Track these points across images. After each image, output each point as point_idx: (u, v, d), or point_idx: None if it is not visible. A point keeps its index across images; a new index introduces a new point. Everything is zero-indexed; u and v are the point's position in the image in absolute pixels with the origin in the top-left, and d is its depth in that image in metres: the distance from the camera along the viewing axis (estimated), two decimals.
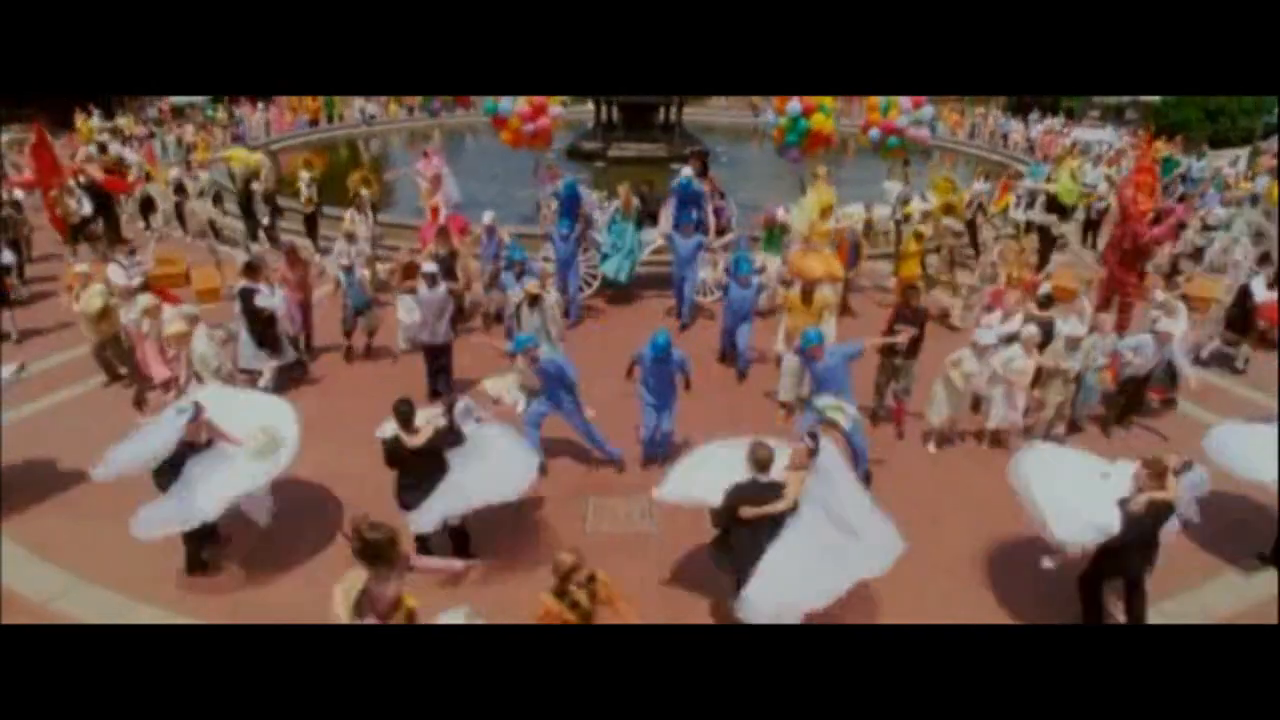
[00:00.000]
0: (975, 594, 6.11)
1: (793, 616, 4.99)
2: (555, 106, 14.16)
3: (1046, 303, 8.54)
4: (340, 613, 4.13)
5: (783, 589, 5.01)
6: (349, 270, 9.63)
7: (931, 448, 8.11)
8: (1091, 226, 15.55)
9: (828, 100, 13.32)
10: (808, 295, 8.70)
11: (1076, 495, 5.44)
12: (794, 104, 12.99)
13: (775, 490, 5.26)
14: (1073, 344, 7.80)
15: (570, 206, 11.25)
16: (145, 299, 8.34)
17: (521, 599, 5.78)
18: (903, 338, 7.63)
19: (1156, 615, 5.80)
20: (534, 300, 8.37)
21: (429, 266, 8.84)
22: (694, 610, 5.83)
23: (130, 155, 17.51)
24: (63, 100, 23.49)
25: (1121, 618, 5.70)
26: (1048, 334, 8.07)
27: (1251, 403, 9.17)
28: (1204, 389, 9.12)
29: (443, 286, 8.71)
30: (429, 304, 8.59)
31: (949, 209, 12.04)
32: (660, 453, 7.56)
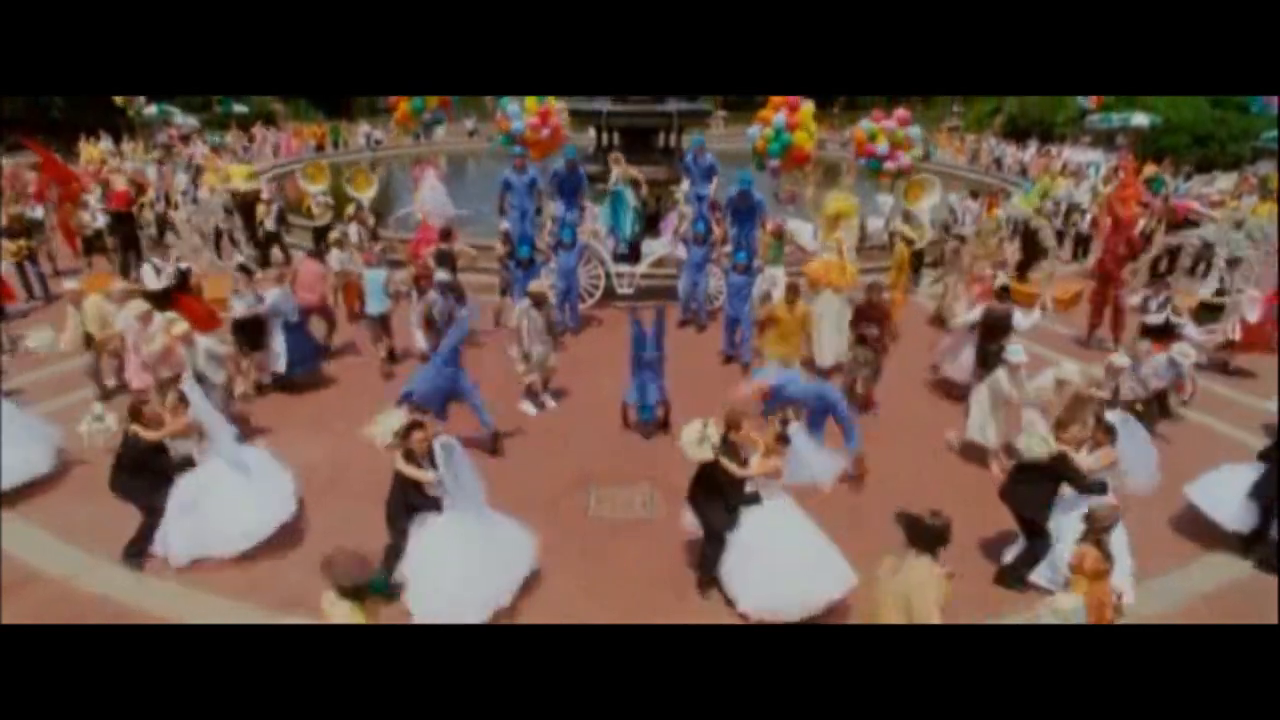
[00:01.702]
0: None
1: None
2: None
3: (1003, 294, 8.75)
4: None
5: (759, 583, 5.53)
6: (370, 267, 9.82)
7: (995, 469, 7.73)
8: (1081, 242, 15.90)
9: (810, 122, 13.80)
10: (793, 301, 8.78)
11: None
12: (779, 116, 13.41)
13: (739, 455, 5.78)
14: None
15: (571, 189, 11.35)
16: (137, 304, 8.39)
17: (530, 585, 6.01)
18: (886, 342, 8.42)
19: (1147, 593, 6.03)
20: (539, 302, 8.61)
21: (441, 276, 9.13)
22: (689, 590, 6.01)
23: (152, 173, 17.96)
24: (68, 129, 23.98)
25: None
26: (1006, 325, 8.30)
27: (1262, 410, 9.27)
28: (1210, 398, 9.44)
29: (451, 297, 8.98)
30: (441, 311, 8.89)
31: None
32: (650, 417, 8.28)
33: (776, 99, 14.49)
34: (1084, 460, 5.84)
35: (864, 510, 7.08)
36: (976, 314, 8.70)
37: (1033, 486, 5.95)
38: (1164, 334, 9.15)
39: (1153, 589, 6.09)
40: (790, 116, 13.52)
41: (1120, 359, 7.72)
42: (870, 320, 8.53)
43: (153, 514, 6.08)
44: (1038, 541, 5.99)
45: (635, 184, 12.50)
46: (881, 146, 13.81)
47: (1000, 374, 7.66)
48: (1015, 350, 7.68)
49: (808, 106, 13.86)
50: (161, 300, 9.20)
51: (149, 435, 5.98)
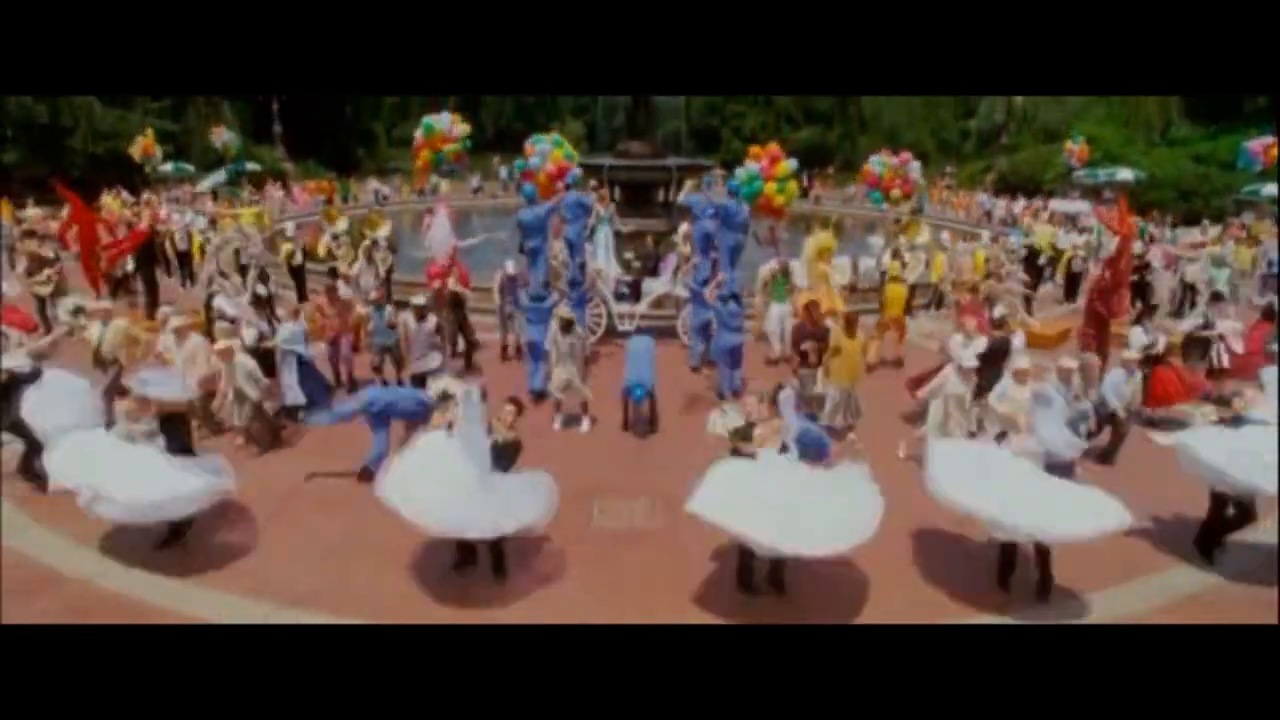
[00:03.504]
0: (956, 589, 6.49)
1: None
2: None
3: (999, 324, 9.05)
4: None
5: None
6: (379, 306, 10.22)
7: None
8: (1072, 284, 16.38)
9: (790, 181, 14.59)
10: (850, 327, 8.93)
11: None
12: (757, 165, 14.19)
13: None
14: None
15: (578, 216, 11.88)
16: (177, 320, 8.74)
17: (533, 587, 6.24)
18: (813, 358, 8.83)
19: (1129, 595, 6.28)
20: (567, 326, 9.07)
21: (418, 299, 9.58)
22: (687, 592, 6.22)
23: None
24: (88, 186, 24.74)
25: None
26: (1004, 352, 8.48)
27: None
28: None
29: (431, 320, 9.42)
30: (417, 336, 9.31)
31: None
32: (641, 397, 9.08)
33: (756, 149, 15.32)
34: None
35: None
36: (980, 346, 8.79)
37: None
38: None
39: (1135, 589, 6.36)
40: (769, 167, 14.32)
41: (1068, 360, 7.98)
42: (808, 337, 8.95)
43: None
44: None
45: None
46: (878, 167, 14.72)
47: (950, 372, 7.97)
48: (968, 355, 8.07)
49: (786, 164, 14.65)
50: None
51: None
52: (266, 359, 8.90)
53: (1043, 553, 6.10)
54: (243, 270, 13.95)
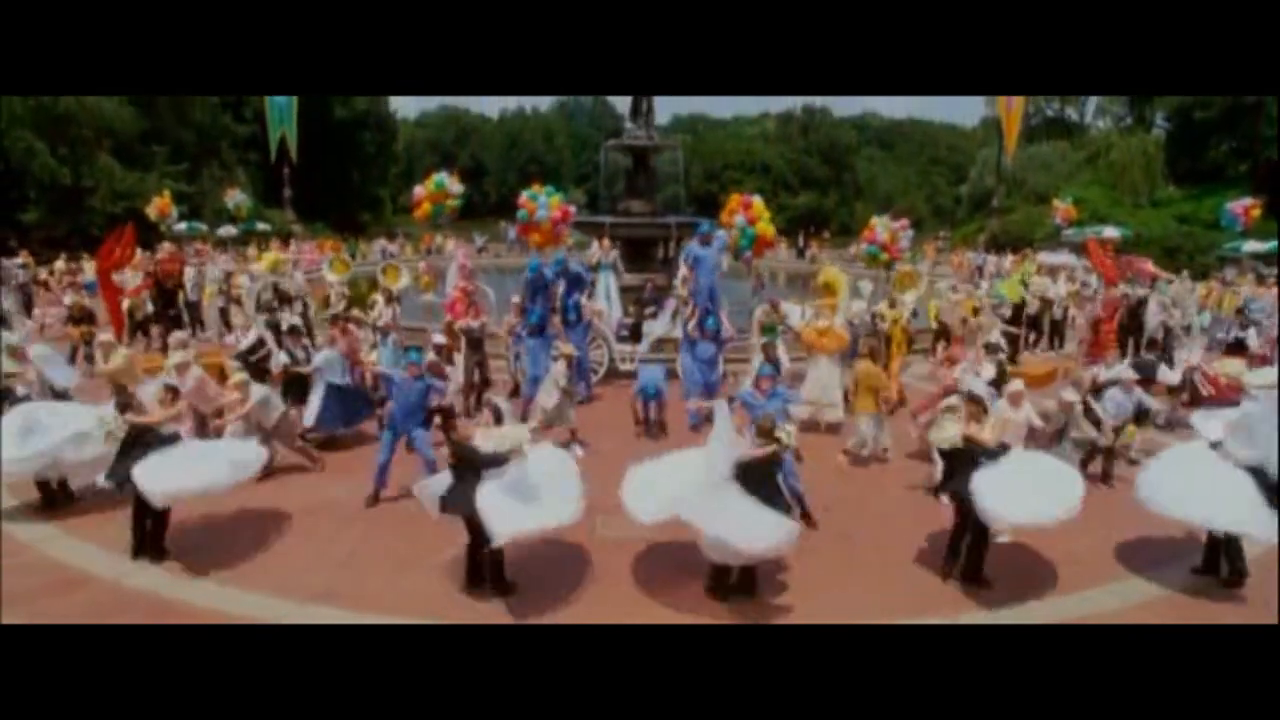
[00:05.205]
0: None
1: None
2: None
3: (992, 349, 9.49)
4: None
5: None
6: (385, 334, 10.74)
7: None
8: (1056, 330, 16.89)
9: (764, 211, 15.57)
10: (874, 356, 9.81)
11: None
12: (739, 217, 15.05)
13: None
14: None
15: (575, 284, 12.46)
16: (178, 355, 9.04)
17: (537, 596, 6.50)
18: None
19: (1113, 595, 6.59)
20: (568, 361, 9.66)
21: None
22: (684, 595, 6.51)
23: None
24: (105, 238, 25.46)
25: None
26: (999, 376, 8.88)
27: None
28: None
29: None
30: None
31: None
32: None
33: (731, 204, 16.20)
34: (984, 433, 6.59)
35: (849, 530, 7.77)
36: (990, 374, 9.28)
37: (959, 470, 6.64)
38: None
39: (1114, 590, 6.69)
40: (747, 214, 15.23)
41: (1069, 393, 8.34)
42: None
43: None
44: (975, 527, 6.53)
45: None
46: (881, 232, 15.70)
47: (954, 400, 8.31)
48: (974, 382, 8.42)
49: (757, 201, 15.72)
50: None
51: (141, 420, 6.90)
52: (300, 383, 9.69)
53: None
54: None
